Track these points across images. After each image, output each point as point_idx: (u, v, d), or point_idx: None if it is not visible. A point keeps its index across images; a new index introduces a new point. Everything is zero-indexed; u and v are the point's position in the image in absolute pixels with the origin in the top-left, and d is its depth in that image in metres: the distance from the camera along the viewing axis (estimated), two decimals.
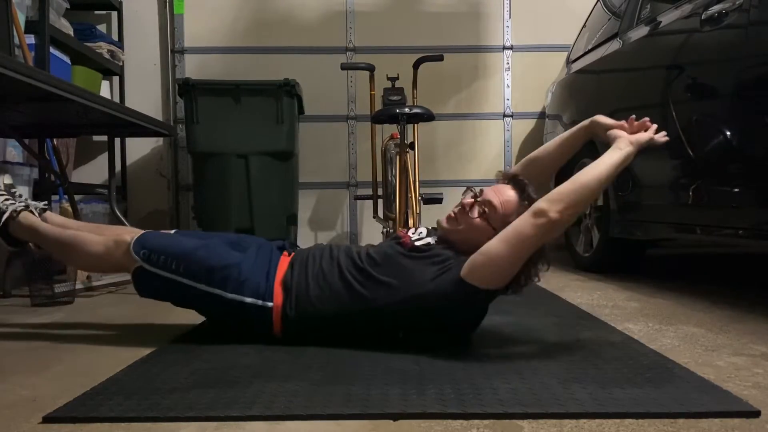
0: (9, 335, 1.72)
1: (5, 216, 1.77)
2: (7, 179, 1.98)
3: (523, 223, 1.40)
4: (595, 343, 1.51)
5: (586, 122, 1.60)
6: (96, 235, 1.74)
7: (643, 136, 1.48)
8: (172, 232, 1.80)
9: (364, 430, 0.99)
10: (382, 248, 1.61)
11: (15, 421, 1.04)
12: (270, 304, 1.54)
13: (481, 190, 1.59)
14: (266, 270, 1.59)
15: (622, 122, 1.53)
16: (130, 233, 1.70)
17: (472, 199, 1.58)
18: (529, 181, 1.58)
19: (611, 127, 1.53)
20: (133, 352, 1.48)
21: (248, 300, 1.55)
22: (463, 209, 1.58)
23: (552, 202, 1.38)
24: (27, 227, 1.78)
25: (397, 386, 1.16)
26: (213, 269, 1.56)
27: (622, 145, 1.46)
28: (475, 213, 1.56)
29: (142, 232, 1.70)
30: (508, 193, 1.55)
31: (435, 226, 1.69)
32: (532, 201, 1.47)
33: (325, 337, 1.54)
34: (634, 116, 1.51)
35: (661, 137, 1.51)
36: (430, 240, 1.60)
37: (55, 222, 1.87)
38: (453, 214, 1.61)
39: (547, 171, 1.71)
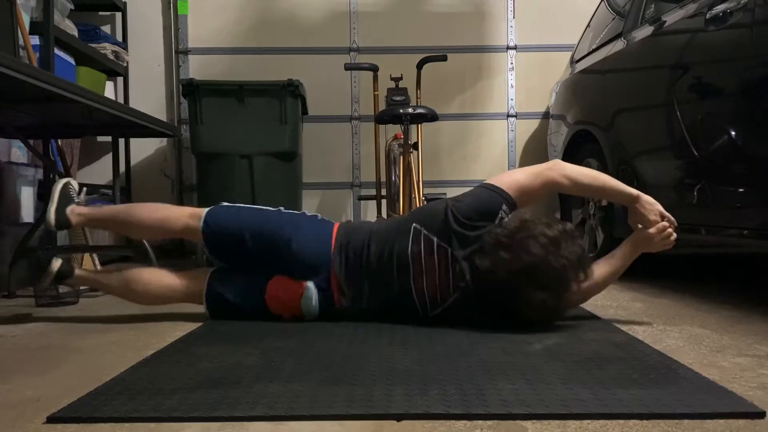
0: (13, 335, 1.73)
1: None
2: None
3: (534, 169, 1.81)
4: (598, 343, 1.51)
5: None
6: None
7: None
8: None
9: (367, 431, 0.99)
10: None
11: (19, 421, 1.04)
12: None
13: None
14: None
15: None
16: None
17: None
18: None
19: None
20: (137, 352, 1.48)
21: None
22: None
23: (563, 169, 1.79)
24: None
25: (401, 387, 1.16)
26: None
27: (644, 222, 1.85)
28: None
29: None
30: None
31: None
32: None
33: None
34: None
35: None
36: None
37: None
38: None
39: None
